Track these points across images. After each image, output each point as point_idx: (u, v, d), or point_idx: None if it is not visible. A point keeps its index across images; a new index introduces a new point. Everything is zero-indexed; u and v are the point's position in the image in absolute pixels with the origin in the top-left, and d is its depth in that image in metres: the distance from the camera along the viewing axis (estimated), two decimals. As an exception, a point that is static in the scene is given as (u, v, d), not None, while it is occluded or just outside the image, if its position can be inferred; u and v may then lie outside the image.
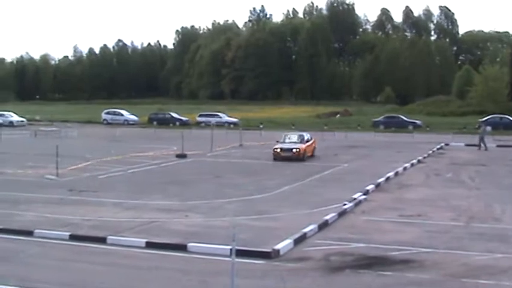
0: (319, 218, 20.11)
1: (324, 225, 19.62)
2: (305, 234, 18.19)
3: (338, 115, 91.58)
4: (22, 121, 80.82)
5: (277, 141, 40.52)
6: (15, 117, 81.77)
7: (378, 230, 19.26)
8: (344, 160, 39.05)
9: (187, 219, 20.76)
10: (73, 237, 18.04)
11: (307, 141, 40.28)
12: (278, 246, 16.48)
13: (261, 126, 68.65)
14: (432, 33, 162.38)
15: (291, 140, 40.49)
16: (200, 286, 13.63)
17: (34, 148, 46.85)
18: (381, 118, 76.02)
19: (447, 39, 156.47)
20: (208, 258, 15.89)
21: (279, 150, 38.69)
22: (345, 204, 22.77)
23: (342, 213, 21.59)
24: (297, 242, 17.37)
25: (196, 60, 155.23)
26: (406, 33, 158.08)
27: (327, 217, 20.41)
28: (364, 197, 25.08)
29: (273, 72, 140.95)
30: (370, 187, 27.34)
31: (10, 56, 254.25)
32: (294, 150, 38.34)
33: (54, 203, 23.62)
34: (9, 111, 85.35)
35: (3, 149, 46.35)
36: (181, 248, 16.83)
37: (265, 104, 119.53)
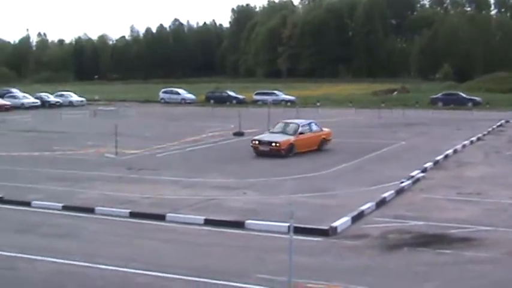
0: (376, 196, 20.08)
1: (381, 203, 19.58)
2: (362, 211, 18.20)
3: (395, 92, 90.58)
4: (81, 101, 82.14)
5: (269, 130, 34.91)
6: (74, 97, 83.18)
7: (436, 208, 19.14)
8: (402, 138, 38.69)
9: (245, 196, 20.95)
10: (133, 215, 18.41)
11: (301, 133, 31.80)
12: (335, 224, 16.53)
13: (318, 104, 68.43)
14: (492, 7, 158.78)
15: (279, 129, 32.59)
16: (258, 263, 13.79)
17: (93, 127, 47.68)
18: (439, 95, 74.89)
19: (508, 14, 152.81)
20: (265, 235, 16.04)
21: (257, 143, 31.39)
22: (402, 182, 22.65)
23: (399, 191, 21.50)
24: (355, 219, 17.40)
25: (252, 38, 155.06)
26: (466, 8, 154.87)
27: (385, 195, 20.36)
28: (422, 174, 24.90)
29: (330, 49, 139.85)
30: (428, 165, 27.09)
31: (69, 37, 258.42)
32: (273, 144, 30.59)
33: (113, 181, 24.11)
34: (68, 91, 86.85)
35: (64, 128, 47.31)
36: (239, 225, 17.03)
37: (322, 81, 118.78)
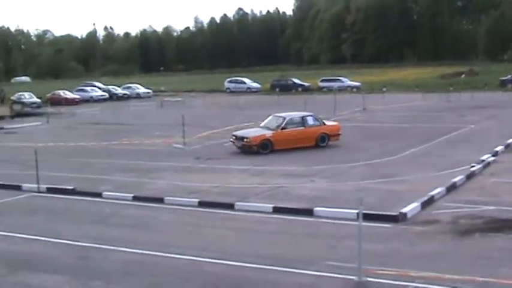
0: (446, 181, 19.75)
1: (451, 188, 19.25)
2: (432, 197, 17.93)
3: (463, 75, 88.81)
4: (148, 92, 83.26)
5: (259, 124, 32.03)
6: (141, 89, 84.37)
7: (508, 192, 18.69)
8: (471, 121, 37.92)
9: (313, 184, 20.89)
10: (202, 204, 18.55)
11: (284, 128, 28.99)
12: (405, 210, 16.33)
13: (384, 89, 67.69)
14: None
15: (266, 124, 30.32)
16: (327, 250, 13.73)
17: (161, 118, 48.25)
18: (508, 77, 73.04)
19: None
20: (334, 223, 15.95)
21: (233, 138, 29.78)
22: (473, 166, 22.21)
23: (470, 175, 21.08)
24: (425, 205, 17.15)
25: (315, 25, 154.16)
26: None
27: (455, 179, 20.01)
28: (492, 158, 24.37)
29: (394, 33, 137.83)
30: (499, 148, 26.49)
31: (134, 30, 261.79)
32: (245, 139, 28.77)
33: (182, 171, 24.35)
34: (135, 83, 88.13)
35: (132, 120, 48.03)
36: (308, 212, 16.98)
37: (387, 66, 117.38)
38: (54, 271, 13.05)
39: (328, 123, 30.77)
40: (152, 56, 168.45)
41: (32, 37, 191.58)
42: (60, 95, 75.38)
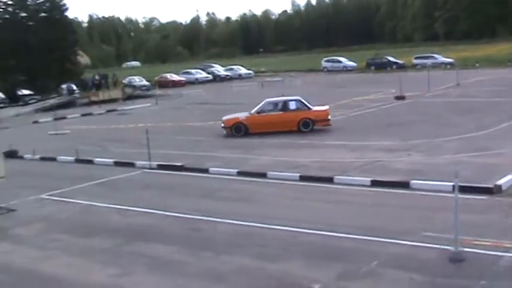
0: (542, 153, 19.10)
1: (548, 160, 18.60)
2: (528, 169, 17.38)
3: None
4: (249, 73, 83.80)
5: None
6: (243, 70, 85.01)
7: None
8: None
9: (409, 157, 20.60)
10: (303, 178, 18.60)
11: (259, 112, 28.83)
12: (500, 182, 15.89)
13: (477, 65, 65.69)
14: None
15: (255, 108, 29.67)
16: (424, 221, 13.54)
17: (262, 97, 48.39)
18: None
19: None
20: (430, 195, 15.69)
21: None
22: None
23: None
24: (520, 177, 16.64)
25: (408, 4, 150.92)
26: None
27: (551, 152, 19.32)
28: None
29: (486, 10, 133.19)
30: None
31: (235, 15, 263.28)
32: (222, 123, 29.32)
33: (283, 147, 24.46)
34: (237, 65, 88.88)
35: (235, 99, 48.46)
36: (405, 185, 16.77)
37: (480, 42, 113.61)
38: (166, 241, 13.44)
39: (315, 108, 28.93)
40: (252, 38, 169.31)
41: (140, 25, 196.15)
42: (167, 78, 77.02)
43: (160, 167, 22.07)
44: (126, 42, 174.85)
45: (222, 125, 29.24)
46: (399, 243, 12.16)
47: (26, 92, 67.66)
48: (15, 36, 73.71)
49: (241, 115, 29.41)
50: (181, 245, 13.09)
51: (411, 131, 26.59)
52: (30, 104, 60.29)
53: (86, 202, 17.75)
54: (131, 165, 22.86)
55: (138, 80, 73.63)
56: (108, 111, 48.19)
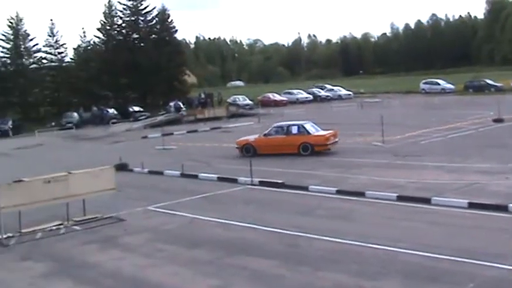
0: None
1: None
2: None
3: None
4: (349, 94, 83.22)
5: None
6: (342, 91, 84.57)
7: None
8: None
9: (508, 181, 19.86)
10: (400, 198, 18.27)
11: (266, 134, 30.35)
12: None
13: None
14: None
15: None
16: (524, 246, 13.02)
17: (361, 118, 48.07)
18: None
19: None
20: (530, 219, 15.10)
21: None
22: None
23: None
24: None
25: (507, 27, 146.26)
26: None
27: None
28: None
29: None
30: None
31: (335, 37, 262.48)
32: (236, 144, 30.97)
33: (381, 167, 24.13)
34: (337, 85, 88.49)
35: (335, 119, 48.14)
36: (502, 208, 16.21)
37: None
38: (266, 256, 13.46)
39: (315, 133, 29.54)
40: (352, 60, 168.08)
41: (244, 46, 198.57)
42: (269, 98, 77.53)
43: (262, 183, 22.17)
44: (231, 62, 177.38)
45: (236, 146, 30.63)
46: (496, 267, 11.74)
47: (136, 108, 69.87)
48: (127, 57, 76.32)
49: (251, 137, 30.89)
50: (280, 260, 13.09)
51: (510, 154, 25.65)
52: (140, 120, 62.08)
53: (190, 215, 18.04)
54: (234, 181, 23.09)
55: (242, 99, 74.63)
56: (212, 128, 48.98)
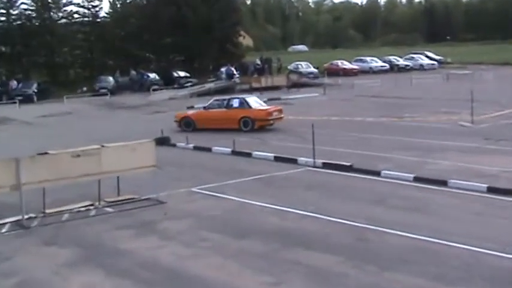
0: None
1: None
2: None
3: None
4: (433, 64, 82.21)
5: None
6: (425, 60, 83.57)
7: None
8: None
9: None
10: (491, 190, 17.95)
11: (206, 108, 33.61)
12: None
13: None
14: None
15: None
16: None
17: (446, 92, 47.49)
18: None
19: None
20: None
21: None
22: None
23: None
24: None
25: None
26: None
27: None
28: None
29: None
30: None
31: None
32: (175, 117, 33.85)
33: (468, 152, 23.83)
34: (420, 53, 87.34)
35: (415, 93, 47.80)
36: None
37: None
38: (327, 250, 13.44)
39: (257, 108, 32.14)
40: (438, 24, 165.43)
41: (310, 4, 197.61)
42: (337, 66, 77.19)
43: (326, 165, 22.14)
44: (294, 23, 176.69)
45: (174, 119, 33.18)
46: None
47: (181, 74, 70.31)
48: (173, 13, 76.37)
49: (190, 111, 34.34)
50: (344, 256, 13.05)
51: None
52: (185, 87, 62.55)
53: (240, 199, 18.16)
54: (293, 161, 23.13)
55: (305, 66, 74.42)
56: (270, 99, 48.96)
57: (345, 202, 17.58)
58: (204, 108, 33.30)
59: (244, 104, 32.14)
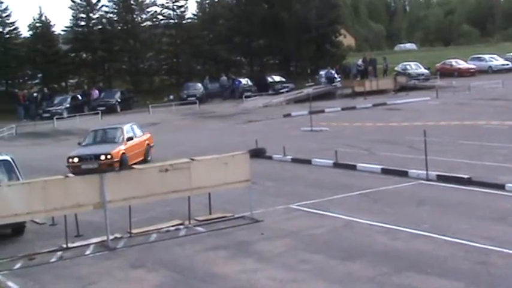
0: None
1: None
2: None
3: None
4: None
5: (79, 143, 30.43)
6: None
7: None
8: None
9: None
10: None
11: (130, 138, 29.84)
12: None
13: None
14: None
15: (94, 140, 30.23)
16: None
17: None
18: None
19: None
20: None
21: (76, 160, 27.98)
22: None
23: None
24: None
25: None
26: None
27: None
28: None
29: None
30: None
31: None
32: (105, 156, 27.87)
33: None
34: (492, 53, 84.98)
35: None
36: None
37: None
38: (444, 275, 13.22)
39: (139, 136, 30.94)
40: None
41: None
42: (451, 65, 75.93)
43: (441, 178, 21.84)
44: (400, 19, 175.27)
45: (70, 164, 28.10)
46: None
47: (276, 78, 70.59)
48: (265, 12, 76.80)
49: (115, 146, 29.18)
50: (464, 281, 12.81)
51: None
52: (281, 93, 62.84)
53: (344, 217, 18.09)
54: (403, 174, 22.91)
55: (414, 67, 73.59)
56: (375, 105, 48.77)
57: (463, 220, 17.26)
58: (128, 139, 29.82)
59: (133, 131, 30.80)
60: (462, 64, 76.41)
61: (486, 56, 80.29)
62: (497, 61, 78.33)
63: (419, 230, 16.37)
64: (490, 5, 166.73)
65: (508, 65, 77.07)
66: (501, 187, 20.13)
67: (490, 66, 76.49)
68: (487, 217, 17.36)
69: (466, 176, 21.45)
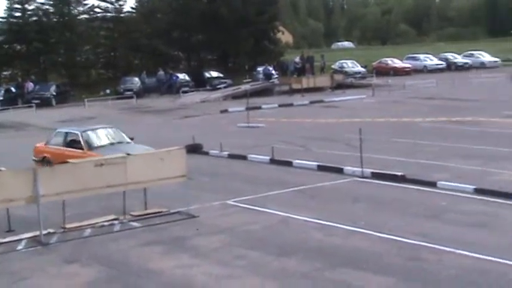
0: None
1: None
2: None
3: None
4: (495, 61, 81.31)
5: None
6: (487, 58, 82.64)
7: None
8: None
9: None
10: None
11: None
12: None
13: None
14: None
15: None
16: None
17: (508, 94, 47.00)
18: None
19: None
20: None
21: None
22: None
23: None
24: None
25: None
26: None
27: None
28: None
29: None
30: None
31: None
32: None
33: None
34: (479, 50, 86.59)
35: (475, 95, 47.35)
36: None
37: None
38: (378, 271, 13.35)
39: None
40: (502, 16, 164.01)
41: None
42: (387, 64, 76.84)
43: (375, 175, 22.07)
44: (338, 17, 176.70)
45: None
46: None
47: (214, 74, 70.53)
48: (203, 7, 76.61)
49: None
50: (396, 277, 12.98)
51: None
52: (218, 88, 62.75)
53: (280, 213, 18.15)
54: (339, 171, 23.08)
55: (351, 65, 74.34)
56: (312, 102, 49.04)
57: (397, 216, 17.47)
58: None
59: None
60: (398, 63, 77.36)
61: (421, 56, 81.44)
62: (431, 61, 79.51)
63: (354, 226, 16.49)
64: (426, 5, 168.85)
65: (442, 64, 78.25)
66: (433, 184, 20.43)
67: (425, 66, 77.58)
68: (420, 214, 17.59)
69: (399, 174, 21.71)
